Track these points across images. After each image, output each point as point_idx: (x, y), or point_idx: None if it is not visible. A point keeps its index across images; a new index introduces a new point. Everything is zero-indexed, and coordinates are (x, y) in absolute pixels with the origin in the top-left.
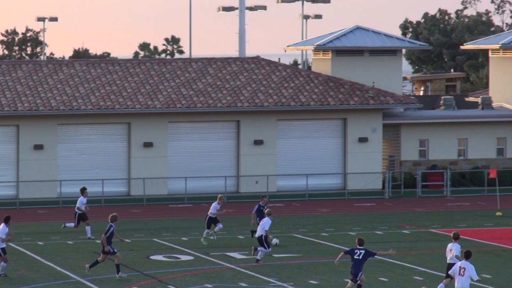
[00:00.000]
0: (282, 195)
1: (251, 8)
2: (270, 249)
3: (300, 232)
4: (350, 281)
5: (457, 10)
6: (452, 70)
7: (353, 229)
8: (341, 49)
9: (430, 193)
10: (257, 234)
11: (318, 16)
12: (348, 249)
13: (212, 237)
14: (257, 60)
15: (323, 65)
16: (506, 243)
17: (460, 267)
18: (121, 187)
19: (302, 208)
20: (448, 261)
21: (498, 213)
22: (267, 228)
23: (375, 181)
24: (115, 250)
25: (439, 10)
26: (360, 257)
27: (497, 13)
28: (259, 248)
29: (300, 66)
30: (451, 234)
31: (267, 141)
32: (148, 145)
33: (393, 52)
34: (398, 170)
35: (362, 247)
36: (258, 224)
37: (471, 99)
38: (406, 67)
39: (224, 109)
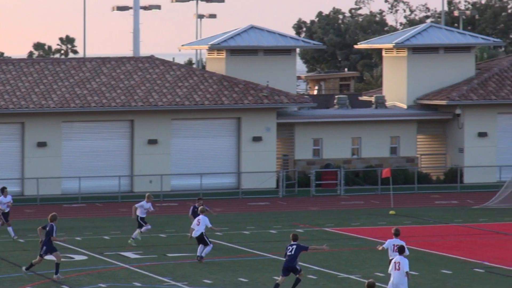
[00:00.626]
0: (176, 194)
1: (145, 8)
2: (211, 245)
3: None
4: (296, 276)
5: (351, 9)
6: (346, 69)
7: (247, 228)
8: (235, 49)
9: (324, 192)
10: (195, 234)
11: (213, 16)
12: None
13: (138, 238)
14: (151, 59)
15: (217, 64)
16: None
17: (395, 262)
18: (15, 187)
19: None
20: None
21: (391, 212)
22: (210, 225)
23: (269, 180)
24: (42, 254)
25: (333, 9)
26: (293, 252)
27: (391, 12)
28: (205, 250)
29: (194, 66)
30: (392, 231)
31: (161, 140)
32: (41, 144)
33: (287, 51)
34: (292, 169)
35: (295, 243)
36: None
37: (365, 98)
38: (300, 66)
39: (118, 108)
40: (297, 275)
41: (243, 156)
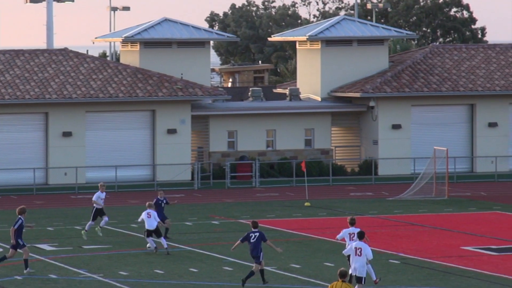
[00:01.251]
0: (91, 186)
1: (58, 0)
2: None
3: (109, 224)
4: (254, 264)
5: (264, 1)
6: (260, 62)
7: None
8: (149, 41)
9: (239, 184)
10: (151, 227)
11: (126, 8)
12: (243, 236)
13: (99, 233)
14: (65, 52)
15: (131, 57)
16: (315, 233)
17: (355, 247)
18: None
19: (111, 200)
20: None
21: (306, 204)
22: (158, 219)
23: (184, 173)
24: (24, 244)
25: (246, 1)
26: (255, 239)
27: (304, 5)
28: (162, 240)
29: (108, 58)
30: (348, 220)
31: (76, 132)
32: None
33: (201, 44)
34: (207, 161)
35: (256, 230)
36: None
37: (279, 90)
38: (214, 59)
39: (32, 101)
40: (253, 268)
41: (158, 149)
